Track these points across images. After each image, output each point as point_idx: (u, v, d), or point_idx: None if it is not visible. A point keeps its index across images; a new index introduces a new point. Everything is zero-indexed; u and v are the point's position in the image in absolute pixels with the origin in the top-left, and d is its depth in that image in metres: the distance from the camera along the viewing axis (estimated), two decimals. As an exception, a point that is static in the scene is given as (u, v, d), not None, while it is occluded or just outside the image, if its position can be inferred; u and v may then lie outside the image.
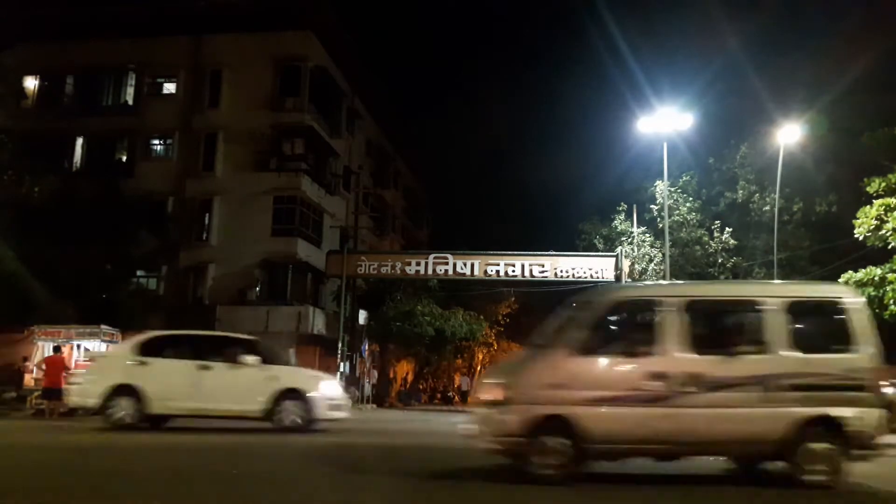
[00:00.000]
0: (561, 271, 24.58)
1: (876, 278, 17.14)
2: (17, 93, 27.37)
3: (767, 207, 23.99)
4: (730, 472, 7.19)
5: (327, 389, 11.22)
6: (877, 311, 17.46)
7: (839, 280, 18.03)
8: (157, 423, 11.09)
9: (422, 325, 26.86)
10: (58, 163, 26.91)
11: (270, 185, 26.94)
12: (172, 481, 5.97)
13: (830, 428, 6.07)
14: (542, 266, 24.69)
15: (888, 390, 9.14)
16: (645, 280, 25.62)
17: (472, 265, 24.94)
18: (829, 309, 6.69)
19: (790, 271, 23.63)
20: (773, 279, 20.92)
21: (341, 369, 23.87)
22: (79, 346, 17.90)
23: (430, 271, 25.43)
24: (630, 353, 6.21)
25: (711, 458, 7.47)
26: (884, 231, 16.90)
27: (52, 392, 14.96)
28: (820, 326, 6.89)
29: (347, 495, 5.51)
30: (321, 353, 29.03)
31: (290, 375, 11.32)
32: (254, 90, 27.81)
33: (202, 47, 28.30)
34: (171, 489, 5.56)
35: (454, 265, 25.03)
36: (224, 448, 9.05)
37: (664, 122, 21.62)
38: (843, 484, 6.09)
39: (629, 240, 26.40)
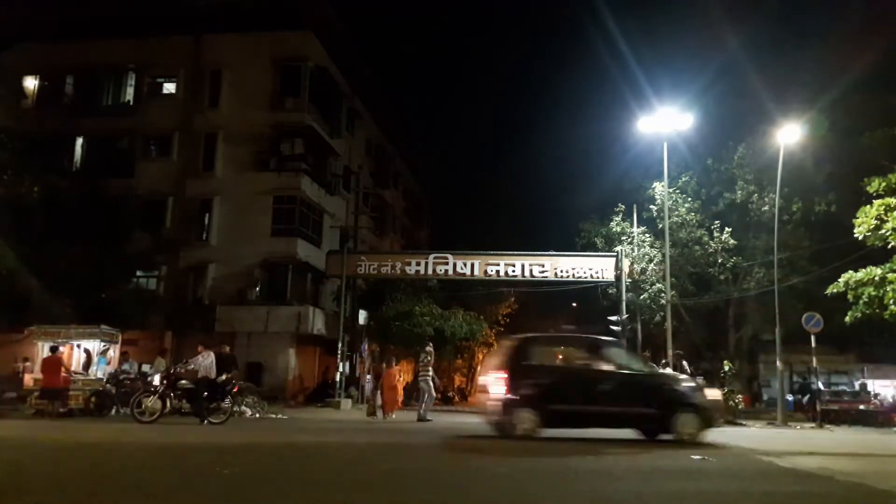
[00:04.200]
0: (561, 271, 24.56)
1: (876, 278, 17.15)
2: (17, 93, 27.40)
3: (766, 207, 23.97)
4: None
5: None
6: (877, 310, 17.49)
7: (839, 280, 18.04)
8: None
9: (421, 325, 26.84)
10: (58, 163, 26.89)
11: (270, 185, 26.95)
12: (174, 480, 5.97)
13: None
14: (542, 266, 24.68)
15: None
16: (644, 279, 25.61)
17: (472, 265, 24.93)
18: None
19: (790, 271, 23.61)
20: (773, 279, 20.92)
21: (341, 369, 23.87)
22: (78, 346, 17.89)
23: (430, 271, 25.41)
24: None
25: None
26: (884, 231, 16.92)
27: (51, 392, 14.99)
28: None
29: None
30: (321, 353, 29.04)
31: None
32: (254, 90, 27.82)
33: (202, 47, 28.31)
34: (172, 488, 5.56)
35: (454, 265, 25.02)
36: (217, 448, 9.06)
37: (664, 122, 21.61)
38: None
39: (629, 240, 26.37)
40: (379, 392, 18.24)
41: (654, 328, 25.79)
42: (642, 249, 26.20)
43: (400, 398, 18.59)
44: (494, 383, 10.41)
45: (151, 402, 13.15)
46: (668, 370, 17.90)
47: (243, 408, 17.12)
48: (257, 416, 17.36)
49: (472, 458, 8.38)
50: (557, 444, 10.24)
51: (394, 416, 17.54)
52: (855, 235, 17.76)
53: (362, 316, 25.84)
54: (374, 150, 36.78)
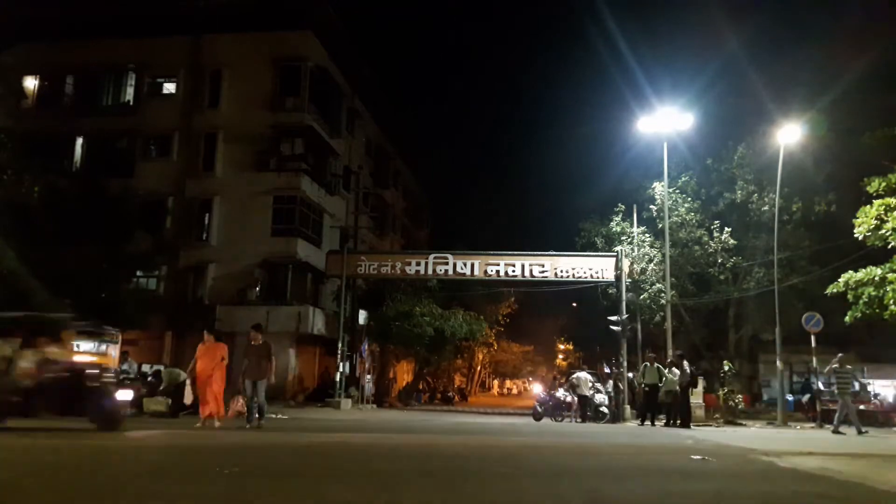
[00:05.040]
0: (561, 271, 24.56)
1: (876, 278, 17.13)
2: (17, 93, 27.35)
3: (766, 207, 23.97)
4: None
5: None
6: (877, 310, 17.48)
7: (839, 280, 18.04)
8: None
9: (421, 325, 26.86)
10: (58, 163, 26.90)
11: (270, 185, 26.96)
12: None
13: None
14: (542, 266, 24.67)
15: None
16: (644, 279, 25.59)
17: (472, 265, 24.92)
18: None
19: (790, 271, 23.61)
20: (773, 279, 20.92)
21: (341, 369, 23.89)
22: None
23: (430, 271, 25.41)
24: None
25: None
26: (884, 231, 16.90)
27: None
28: None
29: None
30: (321, 353, 29.06)
31: None
32: (254, 90, 27.84)
33: (202, 47, 28.33)
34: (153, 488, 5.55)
35: (454, 265, 25.01)
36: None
37: (664, 122, 21.61)
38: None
39: (629, 240, 26.37)
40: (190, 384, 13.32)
41: (654, 328, 25.78)
42: (642, 249, 26.19)
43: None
44: None
45: None
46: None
47: None
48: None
49: (472, 457, 8.37)
50: (557, 444, 10.27)
51: (217, 422, 11.94)
52: (855, 235, 17.74)
53: (362, 316, 25.85)
54: (374, 150, 36.79)
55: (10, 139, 20.34)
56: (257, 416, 11.99)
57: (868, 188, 17.81)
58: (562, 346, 68.16)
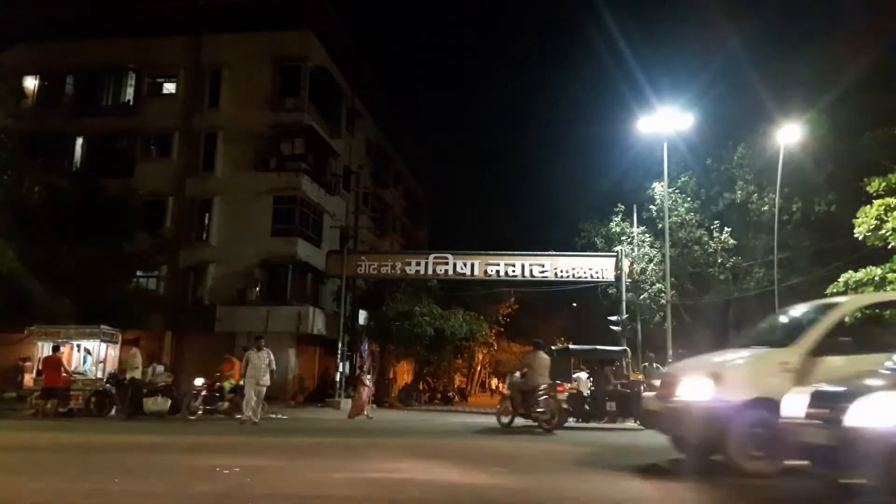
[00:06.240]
0: (561, 271, 24.55)
1: (876, 278, 17.10)
2: (17, 93, 27.34)
3: (766, 207, 23.95)
4: None
5: None
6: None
7: (839, 280, 18.02)
8: None
9: (421, 324, 26.83)
10: (58, 163, 26.90)
11: (270, 185, 26.95)
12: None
13: None
14: (542, 266, 24.66)
15: None
16: (644, 279, 25.57)
17: (472, 265, 24.90)
18: None
19: (790, 271, 23.60)
20: (773, 279, 20.90)
21: (341, 369, 23.86)
22: (78, 347, 17.88)
23: (430, 271, 25.40)
24: None
25: None
26: (884, 231, 16.85)
27: (51, 391, 15.01)
28: None
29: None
30: (321, 353, 29.03)
31: None
32: (254, 90, 27.83)
33: (202, 47, 28.32)
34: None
35: (454, 265, 24.99)
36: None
37: (664, 122, 21.57)
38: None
39: (629, 240, 26.35)
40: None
41: (654, 328, 25.77)
42: (642, 249, 26.17)
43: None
44: None
45: None
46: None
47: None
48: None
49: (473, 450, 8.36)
50: (558, 444, 10.26)
51: None
52: (855, 235, 17.71)
53: (362, 316, 25.83)
54: (374, 150, 36.78)
55: (10, 139, 20.34)
56: None
57: (868, 188, 17.76)
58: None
